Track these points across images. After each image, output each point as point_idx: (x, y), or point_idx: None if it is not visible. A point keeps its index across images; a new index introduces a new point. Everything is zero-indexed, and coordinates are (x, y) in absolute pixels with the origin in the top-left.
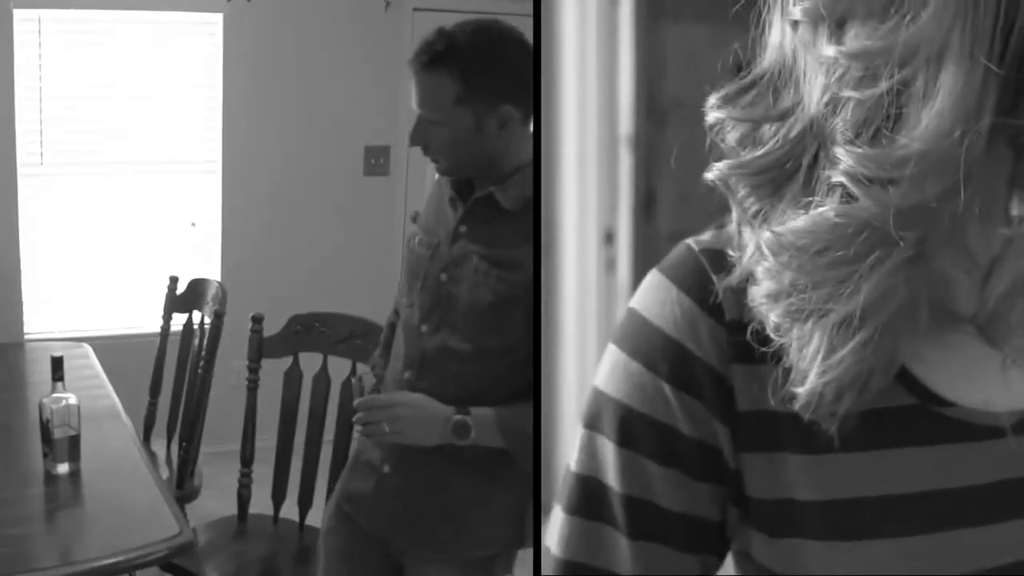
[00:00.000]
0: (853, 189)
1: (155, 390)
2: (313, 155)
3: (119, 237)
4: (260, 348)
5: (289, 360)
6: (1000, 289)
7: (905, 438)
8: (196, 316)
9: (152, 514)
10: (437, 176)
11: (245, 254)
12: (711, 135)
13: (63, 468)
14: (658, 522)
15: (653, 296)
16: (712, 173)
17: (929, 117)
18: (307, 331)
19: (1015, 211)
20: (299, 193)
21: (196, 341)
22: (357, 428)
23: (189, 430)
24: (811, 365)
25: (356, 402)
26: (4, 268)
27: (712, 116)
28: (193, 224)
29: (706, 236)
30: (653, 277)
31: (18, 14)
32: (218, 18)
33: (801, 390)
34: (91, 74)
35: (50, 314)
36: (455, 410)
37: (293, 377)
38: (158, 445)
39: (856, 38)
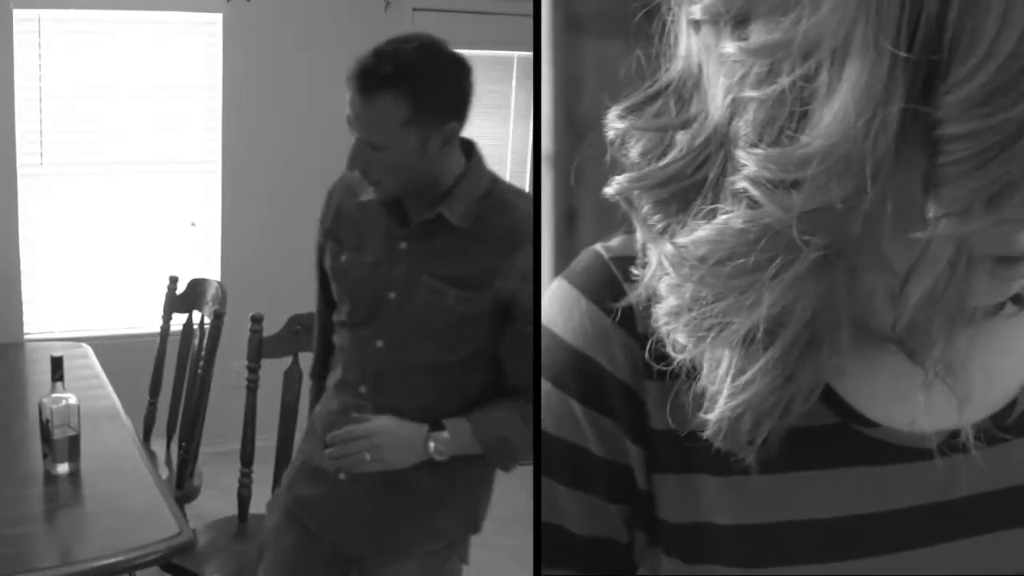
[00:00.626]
0: (755, 193)
1: (155, 390)
2: (313, 155)
3: (119, 237)
4: (260, 348)
5: (289, 360)
6: (916, 297)
7: (827, 460)
8: (196, 316)
9: (152, 514)
10: (334, 189)
11: (245, 254)
12: (612, 149)
13: (63, 468)
14: (565, 547)
15: (560, 307)
16: (612, 188)
17: (832, 112)
18: (307, 331)
19: (931, 213)
20: (299, 193)
21: (196, 341)
22: (332, 459)
23: (189, 430)
24: (721, 387)
25: (331, 436)
26: (4, 268)
27: (614, 128)
28: (193, 224)
29: (615, 242)
30: (559, 286)
31: (18, 14)
32: (218, 18)
33: (711, 416)
34: (91, 74)
35: (50, 314)
36: (429, 427)
37: (293, 377)
38: (158, 445)
39: (757, 34)
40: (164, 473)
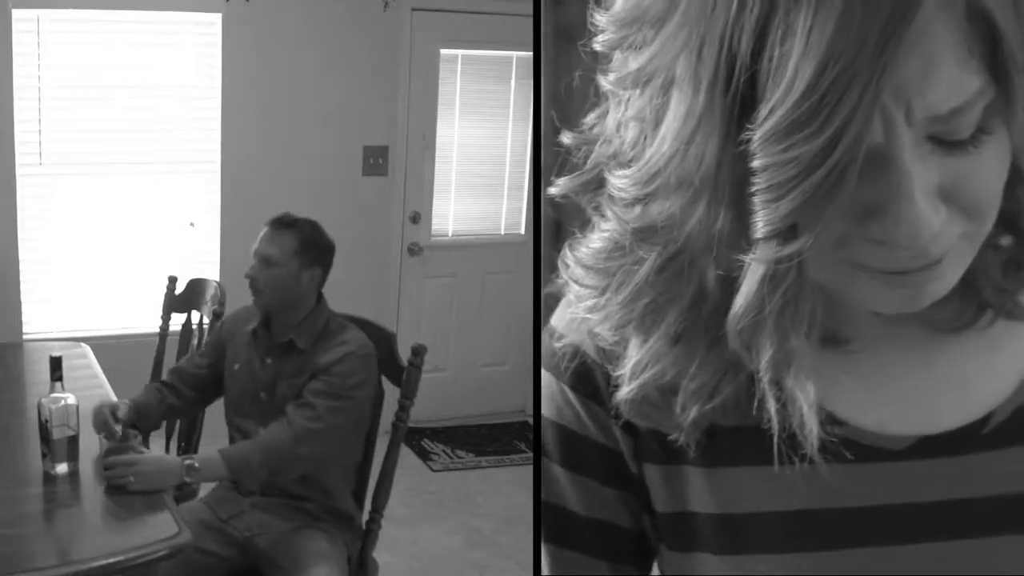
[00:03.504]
0: (605, 210)
1: None
2: (312, 155)
3: (118, 237)
4: None
5: None
6: (736, 308)
7: (797, 455)
8: (195, 316)
9: (151, 514)
10: (229, 319)
11: (244, 254)
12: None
13: (62, 468)
14: (569, 527)
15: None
16: (553, 188)
17: (656, 141)
18: None
19: (758, 234)
20: (298, 193)
21: (195, 341)
22: (105, 475)
23: (188, 430)
24: (624, 371)
25: (109, 459)
26: (4, 268)
27: (562, 140)
28: (192, 224)
29: None
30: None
31: (17, 14)
32: (217, 18)
33: (618, 396)
34: (91, 74)
35: (49, 314)
36: (185, 457)
37: None
38: (157, 445)
39: (620, 66)
40: None
